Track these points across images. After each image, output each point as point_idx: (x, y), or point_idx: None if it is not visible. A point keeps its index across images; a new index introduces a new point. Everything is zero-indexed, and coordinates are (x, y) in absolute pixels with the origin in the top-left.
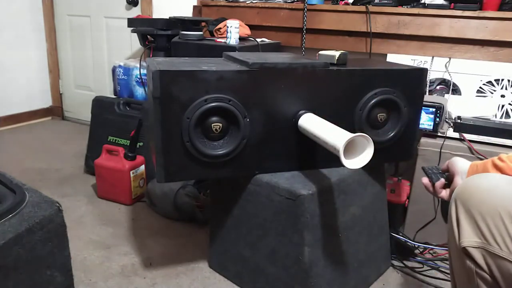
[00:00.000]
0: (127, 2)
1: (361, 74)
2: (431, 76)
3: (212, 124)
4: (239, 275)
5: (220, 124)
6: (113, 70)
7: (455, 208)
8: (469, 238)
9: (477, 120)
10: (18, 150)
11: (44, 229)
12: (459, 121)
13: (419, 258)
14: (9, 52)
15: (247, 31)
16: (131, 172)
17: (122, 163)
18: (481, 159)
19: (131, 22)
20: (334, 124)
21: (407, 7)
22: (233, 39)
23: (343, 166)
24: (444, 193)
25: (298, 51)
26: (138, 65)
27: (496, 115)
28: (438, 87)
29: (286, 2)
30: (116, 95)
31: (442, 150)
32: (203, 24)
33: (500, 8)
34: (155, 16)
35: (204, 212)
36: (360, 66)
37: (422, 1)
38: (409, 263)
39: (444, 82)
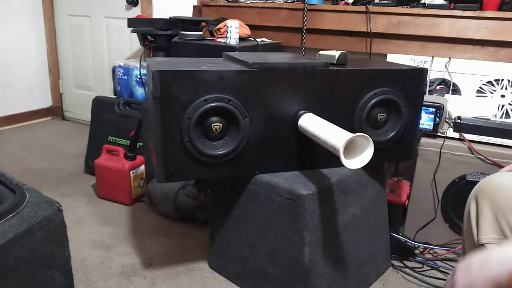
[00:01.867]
0: (127, 2)
1: (361, 74)
2: (431, 76)
3: (212, 124)
4: (239, 275)
5: (220, 124)
6: (113, 70)
7: (475, 205)
8: (487, 234)
9: (477, 120)
10: (18, 150)
11: (44, 229)
12: (459, 121)
13: (419, 258)
14: (9, 52)
15: (247, 31)
16: (131, 172)
17: (122, 163)
18: (481, 159)
19: (131, 22)
20: (334, 124)
21: (407, 7)
22: (233, 39)
23: (343, 166)
24: None
25: (298, 51)
26: (138, 65)
27: (496, 115)
28: (438, 87)
29: (286, 2)
30: (116, 95)
31: (442, 150)
32: (203, 24)
33: (500, 8)
34: (155, 16)
35: (204, 212)
36: (360, 66)
37: (422, 1)
38: (409, 263)
39: (444, 82)
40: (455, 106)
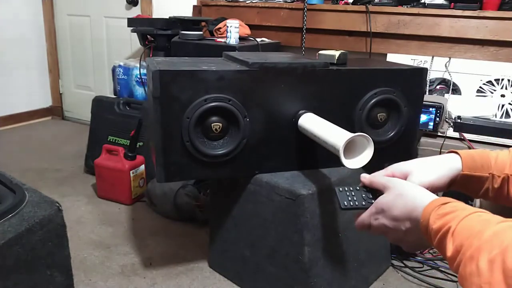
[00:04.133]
0: (127, 2)
1: (361, 74)
2: (431, 75)
3: (212, 124)
4: (239, 275)
5: (220, 124)
6: (113, 70)
7: None
8: None
9: (477, 120)
10: (18, 150)
11: (44, 229)
12: (459, 121)
13: (419, 258)
14: (9, 52)
15: (247, 31)
16: (131, 172)
17: (122, 163)
18: None
19: (131, 22)
20: (334, 124)
21: (407, 6)
22: (233, 39)
23: (343, 166)
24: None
25: (298, 51)
26: (138, 65)
27: (496, 115)
28: (438, 87)
29: (286, 2)
30: (116, 95)
31: (442, 150)
32: (203, 24)
33: (500, 8)
34: (155, 16)
35: (204, 212)
36: (360, 66)
37: (422, 1)
38: (409, 263)
39: (444, 82)
40: (455, 106)
